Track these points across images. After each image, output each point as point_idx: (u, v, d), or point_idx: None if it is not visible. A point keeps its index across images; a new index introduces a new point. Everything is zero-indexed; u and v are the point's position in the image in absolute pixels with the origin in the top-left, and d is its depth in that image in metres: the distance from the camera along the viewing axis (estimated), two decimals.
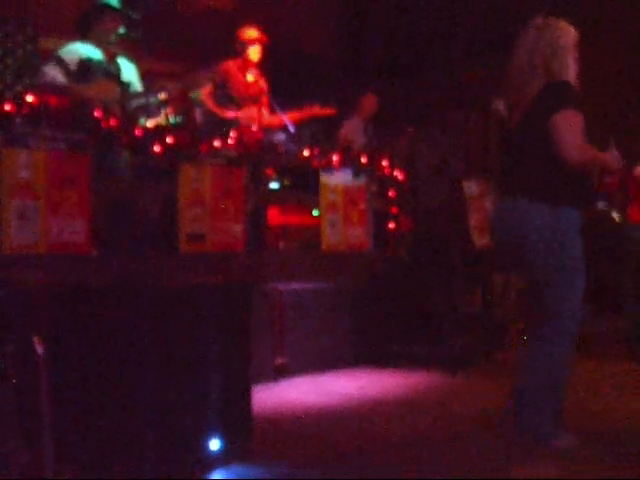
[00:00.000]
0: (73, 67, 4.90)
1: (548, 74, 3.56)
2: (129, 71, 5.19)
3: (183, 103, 5.29)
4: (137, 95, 5.07)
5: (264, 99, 6.34)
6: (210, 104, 6.08)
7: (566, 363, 3.63)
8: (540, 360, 3.59)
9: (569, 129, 3.47)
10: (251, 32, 6.39)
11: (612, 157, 3.69)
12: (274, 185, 6.02)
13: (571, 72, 3.62)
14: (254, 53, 6.37)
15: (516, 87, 3.65)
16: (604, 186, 3.99)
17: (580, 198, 3.63)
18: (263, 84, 6.34)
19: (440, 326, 5.88)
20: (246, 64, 6.38)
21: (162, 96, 4.98)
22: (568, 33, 3.64)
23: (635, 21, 8.95)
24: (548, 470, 3.33)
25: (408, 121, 8.14)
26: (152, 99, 4.96)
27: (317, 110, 6.52)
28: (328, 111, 6.61)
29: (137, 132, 4.66)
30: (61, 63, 4.88)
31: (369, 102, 7.94)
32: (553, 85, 3.56)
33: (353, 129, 7.71)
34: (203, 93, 5.97)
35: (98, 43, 5.06)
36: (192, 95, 5.58)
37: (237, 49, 6.38)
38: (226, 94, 6.25)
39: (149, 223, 4.91)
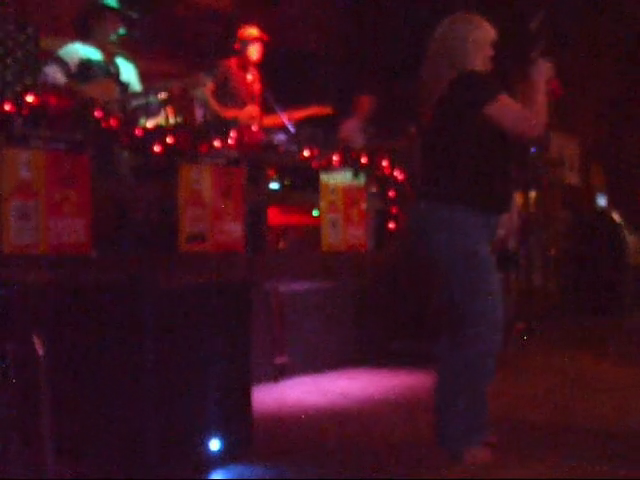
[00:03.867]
0: (73, 68, 4.91)
1: (453, 67, 3.35)
2: (128, 71, 5.19)
3: (183, 103, 5.28)
4: (137, 95, 5.07)
5: (261, 98, 6.35)
6: (212, 102, 6.09)
7: (483, 371, 3.38)
8: (455, 368, 3.38)
9: (509, 113, 3.26)
10: (251, 31, 6.40)
11: (540, 73, 3.35)
12: (274, 185, 6.02)
13: (477, 68, 3.39)
14: (254, 52, 6.38)
15: (427, 82, 3.44)
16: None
17: (491, 202, 3.38)
18: (260, 83, 6.35)
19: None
20: (246, 63, 6.39)
21: (162, 96, 4.98)
22: (482, 29, 3.41)
23: (634, 12, 8.97)
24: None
25: (409, 120, 8.15)
26: (152, 99, 4.96)
27: (315, 110, 6.52)
28: (325, 110, 6.60)
29: (137, 132, 4.67)
30: (61, 64, 4.88)
31: (365, 102, 7.99)
32: (461, 78, 3.33)
33: (352, 130, 7.73)
34: (206, 91, 5.97)
35: (98, 43, 5.06)
36: (197, 93, 5.57)
37: (237, 48, 6.39)
38: (227, 93, 6.26)
39: (149, 223, 4.91)
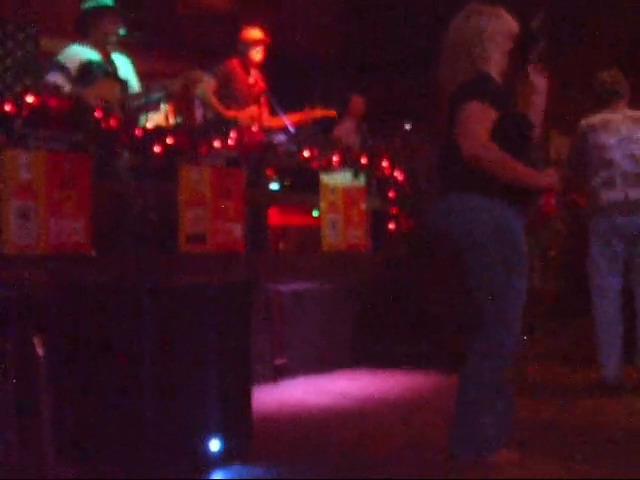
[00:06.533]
0: (74, 72, 4.91)
1: (470, 62, 3.21)
2: (125, 66, 5.19)
3: (183, 102, 5.29)
4: (137, 95, 5.08)
5: (263, 99, 6.35)
6: (214, 101, 6.09)
7: (501, 377, 3.25)
8: (472, 373, 3.26)
9: (469, 119, 3.10)
10: (254, 33, 6.39)
11: (542, 175, 3.21)
12: (274, 186, 6.02)
13: (493, 63, 3.25)
14: (257, 54, 6.37)
15: (443, 77, 3.32)
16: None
17: (511, 193, 3.19)
18: (263, 84, 6.35)
19: (440, 326, 5.88)
20: (249, 64, 6.39)
21: (162, 95, 4.99)
22: (501, 21, 3.24)
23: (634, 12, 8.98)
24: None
25: (406, 119, 8.17)
26: (152, 97, 4.97)
27: (319, 112, 6.53)
28: (330, 113, 6.62)
29: (137, 132, 4.67)
30: (62, 69, 4.88)
31: (356, 103, 8.08)
32: (472, 77, 3.20)
33: (346, 130, 7.78)
34: (208, 89, 5.97)
35: (94, 43, 5.05)
36: (198, 90, 5.57)
37: (239, 49, 6.39)
38: (229, 93, 6.26)
39: (149, 223, 4.91)
